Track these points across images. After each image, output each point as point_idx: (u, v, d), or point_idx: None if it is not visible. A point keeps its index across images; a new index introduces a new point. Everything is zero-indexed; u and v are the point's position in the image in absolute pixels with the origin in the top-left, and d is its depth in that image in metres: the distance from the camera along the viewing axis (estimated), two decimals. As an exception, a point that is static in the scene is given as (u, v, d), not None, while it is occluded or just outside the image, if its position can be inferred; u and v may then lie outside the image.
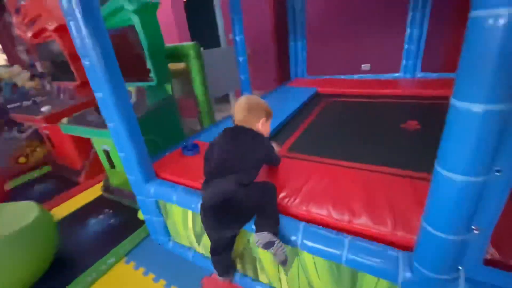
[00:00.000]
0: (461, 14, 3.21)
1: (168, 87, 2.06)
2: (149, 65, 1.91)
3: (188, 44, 2.04)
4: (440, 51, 3.07)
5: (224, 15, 4.38)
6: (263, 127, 1.22)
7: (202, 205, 1.00)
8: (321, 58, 4.04)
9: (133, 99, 2.00)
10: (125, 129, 1.29)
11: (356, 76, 3.39)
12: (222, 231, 1.03)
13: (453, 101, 0.58)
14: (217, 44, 4.58)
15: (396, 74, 3.14)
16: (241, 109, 1.20)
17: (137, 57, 1.93)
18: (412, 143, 1.75)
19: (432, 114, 2.18)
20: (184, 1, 3.76)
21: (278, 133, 2.11)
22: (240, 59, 2.47)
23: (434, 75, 2.92)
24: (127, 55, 1.98)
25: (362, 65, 4.15)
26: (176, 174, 1.47)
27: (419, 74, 2.99)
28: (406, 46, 2.96)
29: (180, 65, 2.32)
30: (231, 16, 2.30)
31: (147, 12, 1.76)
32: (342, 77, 3.49)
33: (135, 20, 1.76)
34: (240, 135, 1.15)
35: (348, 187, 1.22)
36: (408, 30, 2.89)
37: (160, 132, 1.92)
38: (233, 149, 1.10)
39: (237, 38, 2.38)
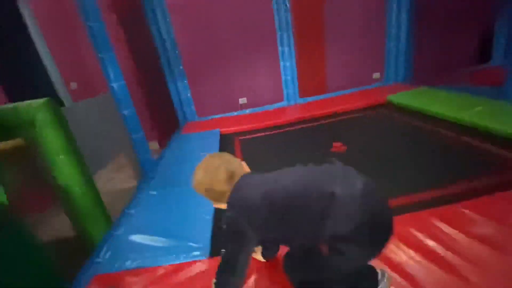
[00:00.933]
0: (316, 48, 3.94)
1: (-2, 190, 1.02)
2: None
3: (33, 103, 1.10)
4: (309, 79, 3.62)
5: (57, 56, 3.19)
6: None
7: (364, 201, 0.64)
8: (207, 97, 3.76)
9: None
10: None
11: (247, 111, 3.34)
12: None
13: None
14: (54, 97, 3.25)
15: (282, 103, 3.36)
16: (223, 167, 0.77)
17: None
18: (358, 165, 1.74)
19: (343, 131, 2.38)
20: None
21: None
22: (126, 112, 1.72)
23: (310, 99, 3.36)
24: None
25: (240, 99, 4.22)
26: None
27: (299, 100, 3.34)
28: (283, 77, 3.24)
29: (10, 143, 1.26)
30: (100, 56, 1.55)
31: None
32: (235, 113, 3.35)
33: None
34: None
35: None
36: (281, 63, 3.17)
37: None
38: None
39: (115, 85, 1.64)
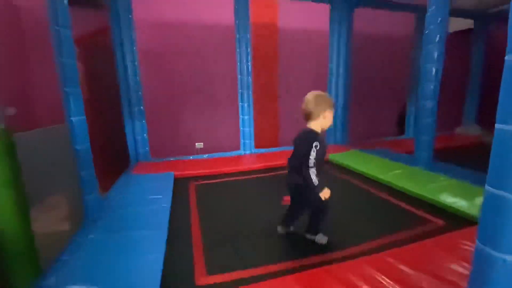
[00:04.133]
0: (271, 107, 4.40)
1: None
2: None
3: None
4: (264, 133, 3.97)
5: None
6: (318, 121, 1.45)
7: None
8: (163, 139, 3.73)
9: None
10: None
11: (205, 156, 3.41)
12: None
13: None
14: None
15: (238, 151, 3.55)
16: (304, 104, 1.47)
17: None
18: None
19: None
20: None
21: (176, 254, 1.51)
22: (80, 147, 1.65)
23: (263, 150, 3.64)
24: None
25: (196, 144, 4.30)
26: None
27: (254, 150, 3.59)
28: (241, 128, 3.50)
29: None
30: (65, 89, 1.54)
31: None
32: (191, 157, 3.38)
33: None
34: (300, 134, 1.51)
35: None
36: (241, 116, 3.46)
37: None
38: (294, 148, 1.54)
39: (75, 119, 1.61)
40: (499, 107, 0.67)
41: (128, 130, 3.01)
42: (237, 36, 3.27)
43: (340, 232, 1.67)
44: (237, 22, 3.22)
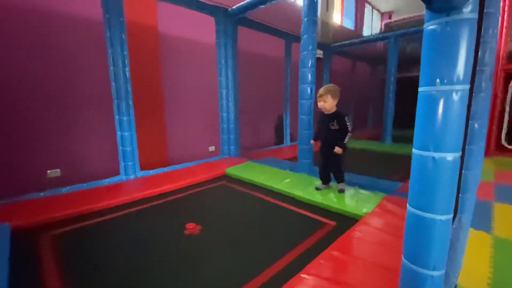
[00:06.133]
0: (157, 119, 3.81)
1: None
2: None
3: None
4: (150, 151, 3.35)
5: None
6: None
7: None
8: None
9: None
10: None
11: (64, 189, 2.48)
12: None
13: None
14: None
15: (118, 177, 2.83)
16: None
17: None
18: (212, 247, 1.69)
19: (193, 207, 2.29)
20: None
21: None
22: None
23: (152, 172, 3.09)
24: None
25: (48, 171, 3.18)
26: None
27: (140, 174, 2.98)
28: (121, 148, 2.81)
29: None
30: None
31: None
32: (42, 194, 2.37)
33: None
34: None
35: None
36: (119, 133, 2.78)
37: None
38: None
39: None
40: (415, 135, 0.74)
41: None
42: (108, 34, 2.63)
43: (251, 252, 1.56)
44: (107, 16, 2.59)
